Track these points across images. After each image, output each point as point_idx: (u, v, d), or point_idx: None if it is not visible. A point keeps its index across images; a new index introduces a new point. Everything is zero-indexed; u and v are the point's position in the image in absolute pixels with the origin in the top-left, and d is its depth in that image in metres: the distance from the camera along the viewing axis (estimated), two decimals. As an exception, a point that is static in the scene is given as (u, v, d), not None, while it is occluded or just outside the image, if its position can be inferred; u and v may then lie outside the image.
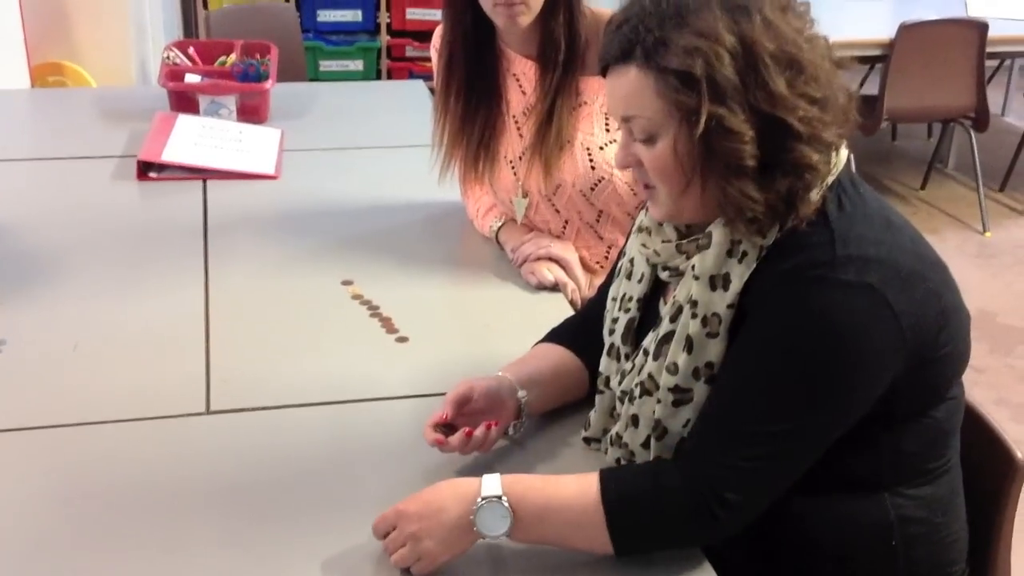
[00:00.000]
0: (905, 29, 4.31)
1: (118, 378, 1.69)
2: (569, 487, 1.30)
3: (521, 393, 1.51)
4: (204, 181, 2.44)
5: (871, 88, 4.57)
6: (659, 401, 1.35)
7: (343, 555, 1.32)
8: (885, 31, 4.40)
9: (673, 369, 1.33)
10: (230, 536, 1.35)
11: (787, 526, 1.33)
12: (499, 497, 1.27)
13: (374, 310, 1.90)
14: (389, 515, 1.31)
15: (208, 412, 1.61)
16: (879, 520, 1.33)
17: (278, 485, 1.44)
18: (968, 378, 1.38)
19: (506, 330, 1.86)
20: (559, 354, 1.60)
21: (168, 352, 1.76)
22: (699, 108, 1.20)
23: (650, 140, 1.28)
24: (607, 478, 1.29)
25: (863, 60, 4.73)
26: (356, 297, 1.94)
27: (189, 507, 1.40)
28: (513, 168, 2.01)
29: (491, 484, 1.28)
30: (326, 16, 5.47)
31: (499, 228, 2.11)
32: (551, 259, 2.00)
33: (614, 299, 1.51)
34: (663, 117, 1.25)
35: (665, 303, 1.43)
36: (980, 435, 1.48)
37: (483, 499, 1.27)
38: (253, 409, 1.61)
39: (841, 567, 1.35)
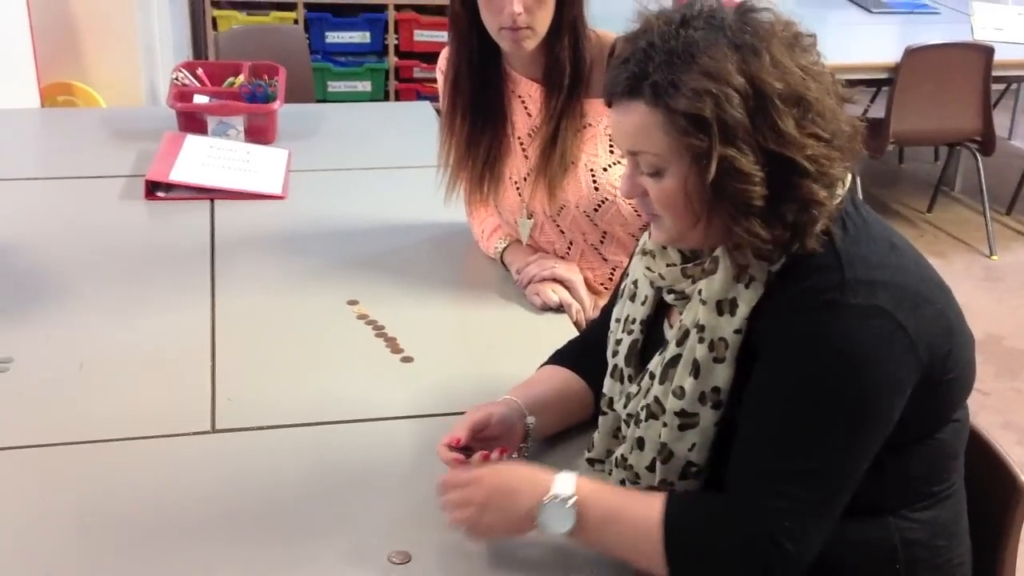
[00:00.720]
0: (911, 52, 4.32)
1: (124, 397, 1.69)
2: (635, 503, 1.31)
3: (529, 419, 1.52)
4: (212, 201, 2.45)
5: (877, 111, 4.58)
6: (665, 425, 1.35)
7: (350, 572, 1.32)
8: (891, 54, 4.41)
9: (680, 393, 1.33)
10: (235, 555, 1.35)
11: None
12: (568, 498, 1.29)
13: (379, 330, 1.90)
14: (464, 477, 1.35)
15: (213, 431, 1.62)
16: (883, 543, 1.32)
17: (283, 504, 1.45)
18: (974, 401, 1.38)
19: (511, 351, 1.86)
20: (564, 377, 1.60)
21: (174, 371, 1.77)
22: (710, 151, 1.20)
23: (657, 174, 1.28)
24: (671, 502, 1.28)
25: (869, 83, 4.75)
26: (361, 317, 1.95)
27: (194, 525, 1.40)
28: (518, 189, 2.02)
29: (565, 483, 1.30)
30: (334, 38, 5.50)
31: (504, 249, 2.11)
32: (556, 280, 2.00)
33: (618, 320, 1.52)
34: (671, 154, 1.25)
35: (670, 325, 1.43)
36: (985, 459, 1.48)
37: (553, 496, 1.29)
38: (258, 428, 1.62)
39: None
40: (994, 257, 4.63)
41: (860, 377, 1.21)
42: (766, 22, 1.25)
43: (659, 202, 1.29)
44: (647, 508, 1.29)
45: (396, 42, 5.54)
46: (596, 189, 1.94)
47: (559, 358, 1.65)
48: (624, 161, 1.89)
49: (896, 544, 1.32)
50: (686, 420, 1.33)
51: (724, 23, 1.23)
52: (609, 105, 1.31)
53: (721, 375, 1.30)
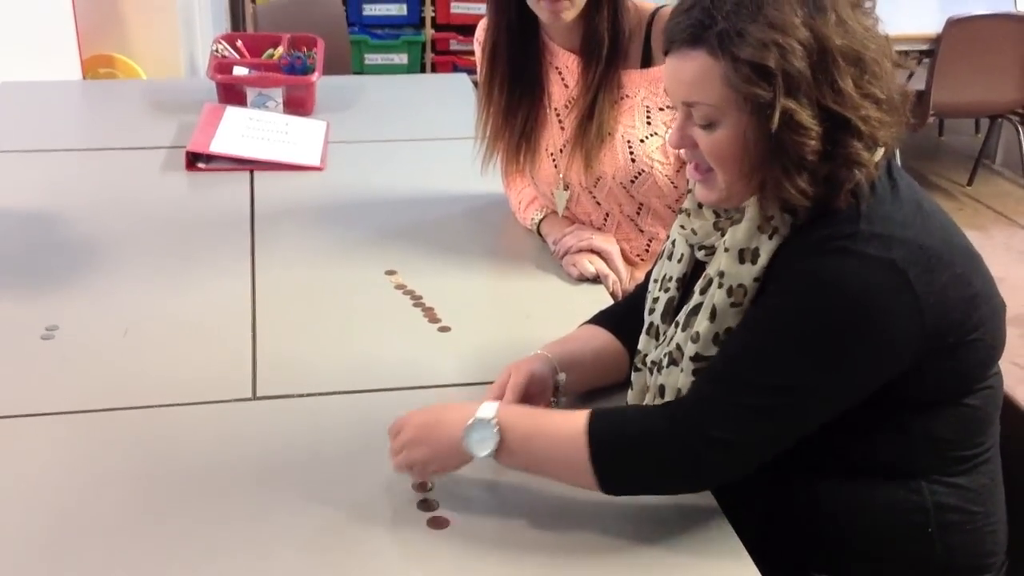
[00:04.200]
0: (953, 23, 4.27)
1: (167, 364, 1.72)
2: (559, 418, 1.34)
3: (560, 375, 1.54)
4: (251, 172, 2.48)
5: (918, 83, 4.53)
6: (682, 371, 1.37)
7: (388, 537, 1.35)
8: (933, 25, 4.36)
9: (696, 338, 1.35)
10: (275, 519, 1.38)
11: (824, 512, 1.35)
12: (490, 420, 1.32)
13: (417, 300, 1.92)
14: (399, 420, 1.41)
15: (255, 398, 1.64)
16: (915, 506, 1.33)
17: (322, 469, 1.47)
18: (1012, 375, 1.38)
19: (547, 321, 1.87)
20: (603, 337, 1.62)
21: (216, 339, 1.80)
22: (773, 101, 1.20)
23: (710, 126, 1.28)
24: (596, 413, 1.32)
25: (910, 54, 4.69)
26: (399, 287, 1.97)
27: (235, 490, 1.43)
28: (554, 160, 2.03)
29: (487, 408, 1.35)
30: (372, 10, 5.51)
31: (541, 220, 2.12)
32: (592, 251, 2.01)
33: (655, 280, 1.53)
34: (728, 105, 1.25)
35: None
36: (1022, 430, 1.48)
37: (474, 420, 1.33)
38: (298, 395, 1.64)
39: (879, 553, 1.35)
40: (1035, 230, 4.59)
41: (851, 318, 1.22)
42: None
43: (711, 154, 1.29)
44: (571, 421, 1.32)
45: (433, 14, 5.54)
46: (633, 161, 1.95)
47: (599, 319, 1.66)
48: (661, 132, 1.92)
49: (929, 507, 1.33)
50: (700, 364, 1.34)
51: None
52: (666, 53, 1.31)
53: (736, 319, 1.32)
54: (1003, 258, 4.27)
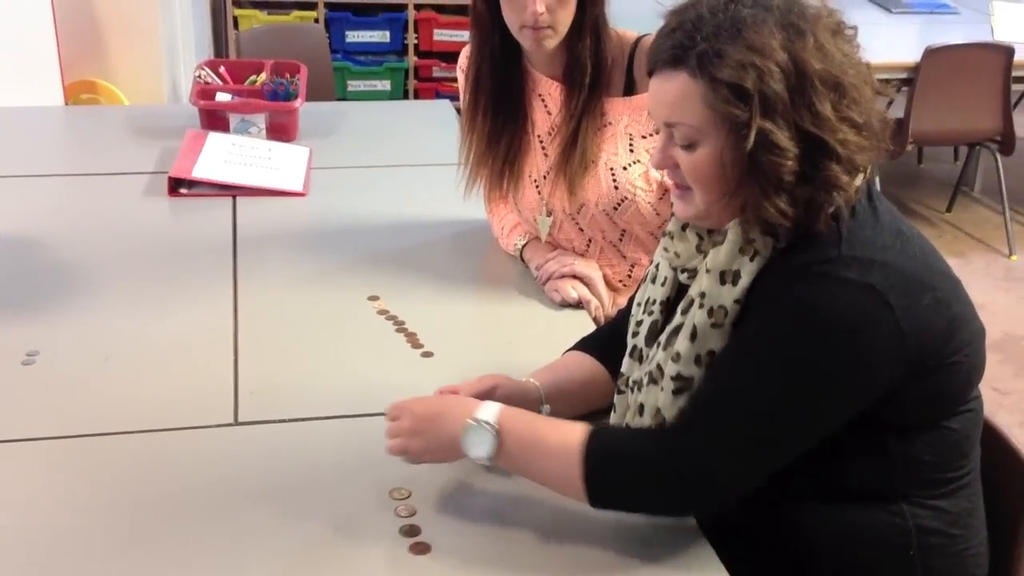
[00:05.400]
0: (931, 52, 4.31)
1: (148, 389, 1.71)
2: (557, 428, 1.36)
3: (545, 407, 1.54)
4: (234, 198, 2.48)
5: (897, 111, 4.57)
6: (662, 390, 1.37)
7: (370, 563, 1.34)
8: (911, 54, 4.40)
9: (676, 358, 1.36)
10: (256, 545, 1.37)
11: (805, 535, 1.35)
12: (488, 423, 1.34)
13: (399, 325, 1.92)
14: (400, 405, 1.42)
15: (237, 423, 1.64)
16: (897, 529, 1.34)
17: (305, 494, 1.47)
18: (992, 400, 1.39)
19: (530, 346, 1.88)
20: (589, 365, 1.62)
21: (197, 364, 1.79)
22: (749, 122, 1.23)
23: (691, 147, 1.30)
24: (592, 432, 1.33)
25: (889, 83, 4.73)
26: (382, 312, 1.97)
27: (216, 516, 1.42)
28: (537, 187, 2.03)
29: (487, 410, 1.36)
30: (354, 37, 5.52)
31: (523, 246, 2.13)
32: (575, 277, 2.01)
33: (638, 304, 1.54)
34: (708, 126, 1.27)
35: None
36: (1003, 457, 1.48)
37: (473, 420, 1.34)
38: (280, 421, 1.64)
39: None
40: (1013, 257, 4.61)
41: (832, 344, 1.23)
42: (813, 7, 1.28)
43: (691, 174, 1.31)
44: (568, 433, 1.34)
45: (416, 41, 5.56)
46: (616, 188, 1.96)
47: (585, 345, 1.67)
48: (643, 160, 1.93)
49: (911, 530, 1.34)
50: (681, 384, 1.35)
51: (772, 4, 1.26)
52: (651, 74, 1.33)
53: (716, 339, 1.33)
54: (982, 284, 4.30)
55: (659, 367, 1.39)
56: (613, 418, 1.52)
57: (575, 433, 1.33)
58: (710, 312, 1.33)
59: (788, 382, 1.25)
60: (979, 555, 1.40)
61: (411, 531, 1.38)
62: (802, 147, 1.23)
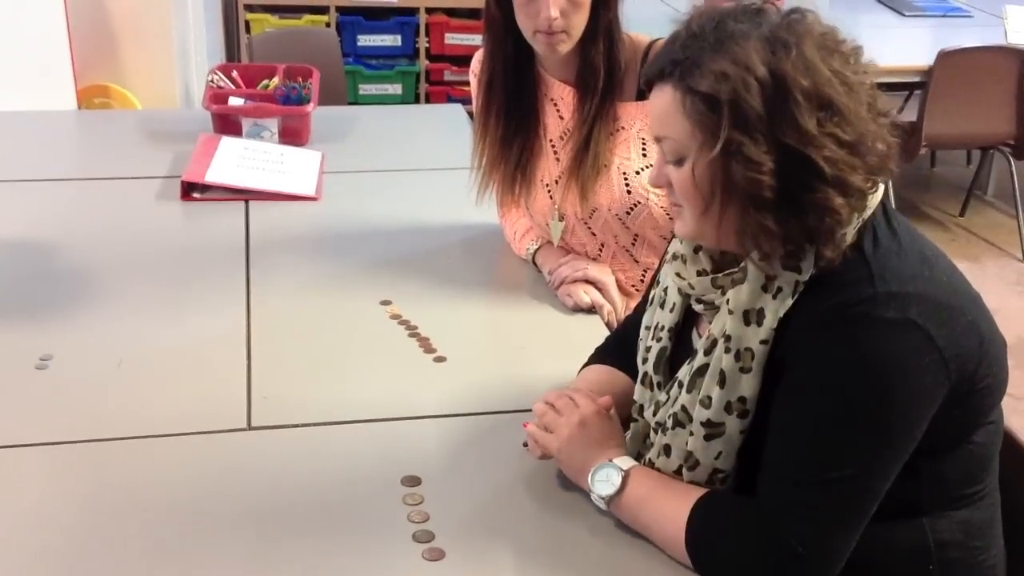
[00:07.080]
0: (944, 56, 4.30)
1: (161, 394, 1.72)
2: (678, 492, 1.37)
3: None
4: (246, 202, 2.48)
5: (909, 115, 4.56)
6: (692, 434, 1.36)
7: (384, 568, 1.34)
8: (924, 58, 4.39)
9: (707, 403, 1.34)
10: (269, 550, 1.37)
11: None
12: (621, 468, 1.39)
13: (412, 330, 1.92)
14: (565, 403, 1.49)
15: (249, 428, 1.64)
16: (917, 544, 1.33)
17: (317, 498, 1.47)
18: (1007, 406, 1.38)
19: (542, 351, 1.87)
20: (612, 378, 1.61)
21: (210, 369, 1.79)
22: (718, 132, 1.22)
23: (679, 162, 1.29)
24: (702, 499, 1.33)
25: (901, 87, 4.72)
26: (395, 317, 1.96)
27: (229, 521, 1.42)
28: (549, 192, 2.03)
29: (626, 460, 1.42)
30: (366, 41, 5.53)
31: (536, 250, 2.13)
32: (588, 281, 2.01)
33: (647, 328, 1.52)
34: (689, 139, 1.26)
35: (699, 335, 1.44)
36: (1019, 462, 1.48)
37: (609, 462, 1.40)
38: (293, 426, 1.64)
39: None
40: (1027, 261, 4.60)
41: (889, 390, 1.22)
42: (805, 22, 1.25)
43: (678, 190, 1.31)
44: (682, 499, 1.34)
45: (427, 45, 5.56)
46: (628, 192, 1.95)
47: (602, 356, 1.66)
48: (656, 163, 1.92)
49: (930, 545, 1.33)
50: (712, 430, 1.34)
51: (764, 20, 1.25)
52: (649, 90, 1.33)
53: (747, 385, 1.31)
54: (996, 288, 4.29)
55: (684, 410, 1.37)
56: (628, 444, 1.49)
57: (691, 495, 1.34)
58: (737, 356, 1.31)
59: (859, 439, 1.23)
60: (997, 565, 1.39)
61: (425, 536, 1.38)
62: (781, 162, 1.21)
